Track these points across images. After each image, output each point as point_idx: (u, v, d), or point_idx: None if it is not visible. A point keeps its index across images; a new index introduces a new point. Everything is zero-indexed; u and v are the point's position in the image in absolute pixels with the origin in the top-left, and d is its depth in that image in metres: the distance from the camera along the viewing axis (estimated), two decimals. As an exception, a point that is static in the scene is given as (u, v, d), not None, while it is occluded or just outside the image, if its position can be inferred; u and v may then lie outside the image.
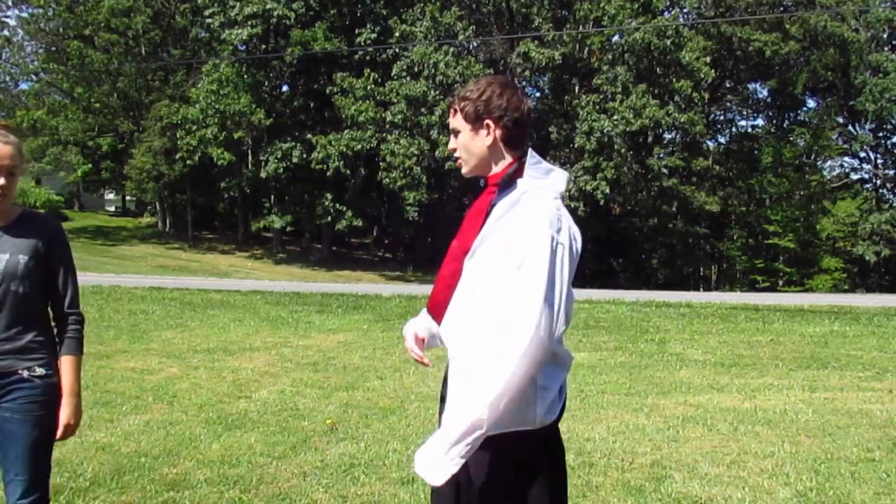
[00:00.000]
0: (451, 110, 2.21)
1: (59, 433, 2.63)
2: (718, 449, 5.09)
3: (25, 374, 2.53)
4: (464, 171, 2.24)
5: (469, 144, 2.18)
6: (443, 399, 2.22)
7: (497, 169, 2.18)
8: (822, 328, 11.44)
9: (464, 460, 1.97)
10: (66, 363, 2.62)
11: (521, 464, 2.07)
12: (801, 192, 37.25)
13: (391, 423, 5.71)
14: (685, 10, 37.04)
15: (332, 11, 34.10)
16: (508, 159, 2.17)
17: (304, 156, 31.84)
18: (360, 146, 30.80)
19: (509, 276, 2.01)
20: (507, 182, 2.14)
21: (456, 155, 2.22)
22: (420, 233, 37.79)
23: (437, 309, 2.22)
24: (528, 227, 2.03)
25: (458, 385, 2.10)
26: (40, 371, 2.56)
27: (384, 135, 30.80)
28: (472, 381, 2.00)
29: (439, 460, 1.97)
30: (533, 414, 2.05)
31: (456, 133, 2.20)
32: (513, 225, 2.05)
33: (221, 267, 31.26)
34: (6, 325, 2.52)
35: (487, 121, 2.14)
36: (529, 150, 2.18)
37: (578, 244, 2.13)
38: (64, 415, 2.62)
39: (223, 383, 7.02)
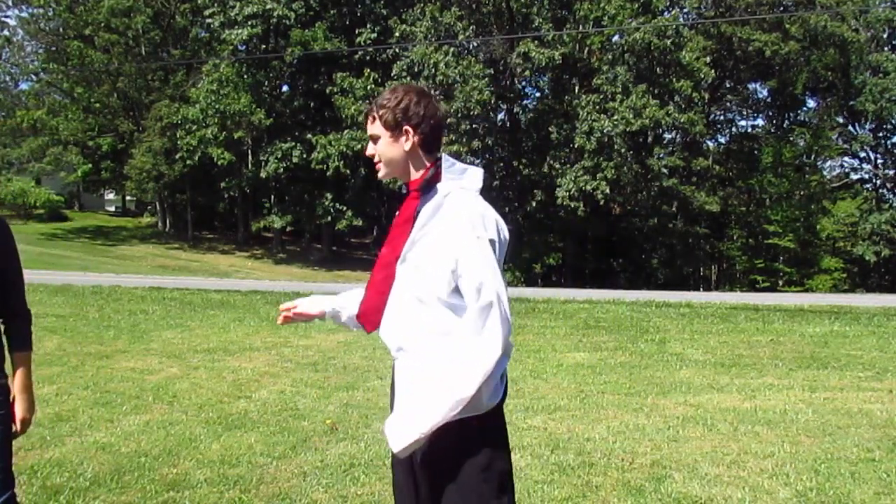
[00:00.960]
0: (370, 118, 2.31)
1: (17, 428, 2.63)
2: (718, 449, 5.09)
3: None
4: (381, 174, 2.35)
5: (388, 150, 2.29)
6: (392, 391, 2.37)
7: (417, 175, 2.30)
8: (823, 328, 11.44)
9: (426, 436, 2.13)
10: (17, 360, 2.62)
11: (470, 446, 2.18)
12: (801, 193, 37.24)
13: (391, 423, 5.69)
14: (685, 10, 37.02)
15: (332, 11, 34.10)
16: (426, 164, 2.29)
17: (304, 156, 31.86)
18: (360, 146, 30.77)
19: (445, 280, 2.16)
20: (427, 187, 2.27)
21: (375, 160, 2.32)
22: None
23: (368, 315, 2.35)
24: (455, 231, 2.15)
25: (410, 381, 2.25)
26: None
27: (384, 135, 30.75)
28: (453, 374, 2.11)
29: (411, 435, 2.12)
30: (480, 400, 2.15)
31: (374, 139, 2.31)
32: (439, 229, 2.18)
33: (221, 267, 31.27)
34: None
35: (406, 127, 2.26)
36: (444, 154, 2.31)
37: (505, 232, 2.26)
38: (19, 410, 2.62)
39: (223, 383, 7.02)
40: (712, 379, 7.62)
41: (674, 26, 31.15)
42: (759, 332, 11.09)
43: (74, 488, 4.15)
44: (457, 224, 2.15)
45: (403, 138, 2.26)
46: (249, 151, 35.15)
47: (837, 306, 15.26)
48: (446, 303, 2.18)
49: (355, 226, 34.48)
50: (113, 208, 50.47)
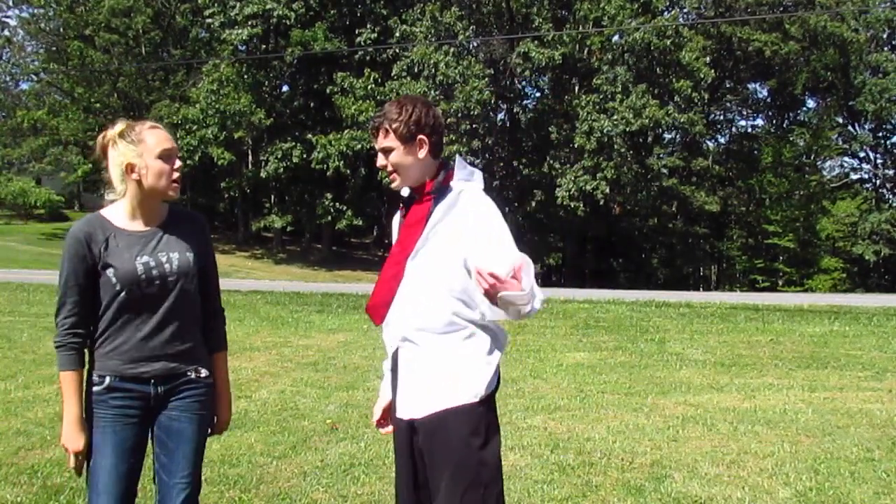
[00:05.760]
0: (381, 132, 2.38)
1: (217, 429, 2.66)
2: (718, 449, 5.09)
3: (192, 374, 2.52)
4: (396, 185, 2.43)
5: (403, 161, 2.37)
6: (394, 373, 2.54)
7: (427, 179, 2.41)
8: (822, 328, 11.44)
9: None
10: (218, 359, 2.64)
11: (469, 432, 2.29)
12: (801, 192, 37.23)
13: (391, 422, 5.70)
14: (685, 10, 37.00)
15: (332, 11, 34.08)
16: (435, 168, 2.41)
17: (305, 156, 31.83)
18: (360, 146, 30.77)
19: (459, 274, 2.30)
20: (441, 189, 2.38)
21: (389, 171, 2.40)
22: (420, 233, 37.73)
23: (377, 309, 2.47)
24: (487, 212, 2.32)
25: (414, 370, 2.40)
26: (205, 372, 2.56)
27: (384, 135, 30.75)
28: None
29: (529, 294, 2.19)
30: (482, 387, 2.31)
31: (386, 152, 2.39)
32: (455, 224, 2.31)
33: (221, 267, 31.04)
34: (180, 327, 2.48)
35: (421, 137, 2.36)
36: (457, 157, 2.47)
37: None
38: (222, 411, 2.65)
39: (223, 383, 7.01)
40: (712, 379, 7.62)
41: (673, 26, 31.14)
42: (758, 331, 11.10)
43: (75, 488, 4.15)
44: (487, 210, 2.32)
45: (418, 148, 2.36)
46: (249, 151, 35.12)
47: (837, 306, 15.26)
48: (457, 296, 2.31)
49: (355, 225, 34.45)
50: (113, 208, 50.38)
